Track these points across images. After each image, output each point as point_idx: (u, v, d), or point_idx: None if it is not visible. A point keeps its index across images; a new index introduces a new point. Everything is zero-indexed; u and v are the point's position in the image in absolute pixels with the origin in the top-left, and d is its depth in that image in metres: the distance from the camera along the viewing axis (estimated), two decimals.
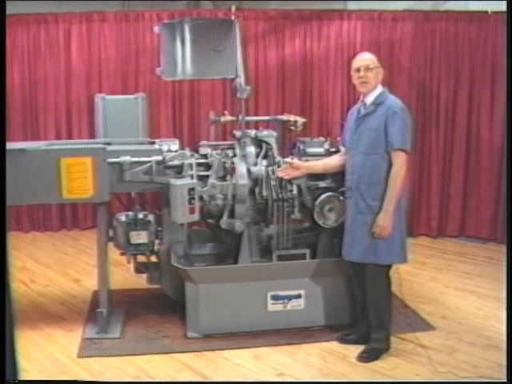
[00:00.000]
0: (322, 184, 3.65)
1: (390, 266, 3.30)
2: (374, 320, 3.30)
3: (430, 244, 5.78)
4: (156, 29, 3.73)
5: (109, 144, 3.60)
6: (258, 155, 3.68)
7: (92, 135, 5.71)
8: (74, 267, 5.00)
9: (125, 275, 4.34)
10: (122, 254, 3.68)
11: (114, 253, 3.72)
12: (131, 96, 5.60)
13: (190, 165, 3.49)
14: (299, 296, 3.56)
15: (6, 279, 1.44)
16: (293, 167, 3.50)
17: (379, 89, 3.24)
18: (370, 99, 3.24)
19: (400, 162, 3.12)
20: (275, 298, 3.54)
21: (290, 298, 3.55)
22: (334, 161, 3.54)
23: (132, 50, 5.96)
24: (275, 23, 5.99)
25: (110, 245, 3.67)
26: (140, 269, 3.81)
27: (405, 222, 3.27)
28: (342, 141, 3.53)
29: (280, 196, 3.52)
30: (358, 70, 3.23)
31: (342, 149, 3.51)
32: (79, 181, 3.31)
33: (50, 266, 5.01)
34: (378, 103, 3.20)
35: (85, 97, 5.96)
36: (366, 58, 3.26)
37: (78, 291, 4.39)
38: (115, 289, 3.95)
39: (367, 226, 3.18)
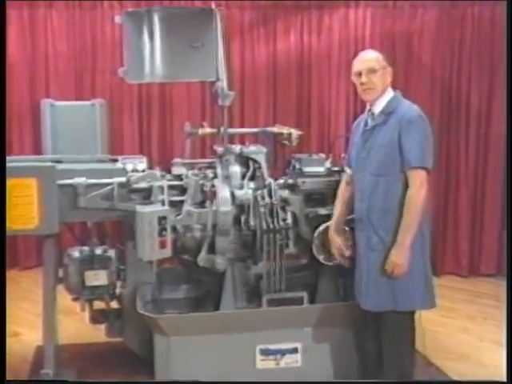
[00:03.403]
0: (322, 211, 3.70)
1: (413, 312, 3.28)
2: (391, 380, 3.29)
3: (460, 285, 5.84)
4: (118, 19, 3.76)
5: (59, 162, 3.63)
6: (243, 176, 3.75)
7: (37, 151, 5.73)
8: (13, 317, 4.98)
9: (77, 326, 4.36)
10: (75, 299, 3.71)
11: (64, 298, 3.75)
12: (87, 102, 5.62)
13: (161, 188, 3.54)
14: (295, 350, 3.60)
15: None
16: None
17: (389, 94, 3.24)
18: (378, 108, 3.22)
19: (418, 182, 3.08)
20: (265, 352, 3.58)
21: (283, 352, 3.59)
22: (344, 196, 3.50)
23: (88, 44, 6.02)
24: (265, 13, 6.09)
25: (60, 288, 3.70)
26: (97, 318, 3.84)
27: (429, 257, 3.26)
28: (347, 160, 3.53)
29: (271, 226, 3.56)
30: (360, 74, 3.20)
31: (348, 170, 3.50)
32: (21, 207, 3.34)
33: None
34: (388, 112, 3.18)
35: (27, 102, 6.02)
36: (368, 59, 3.23)
37: (16, 347, 4.38)
38: (65, 343, 3.96)
39: (381, 265, 3.16)
